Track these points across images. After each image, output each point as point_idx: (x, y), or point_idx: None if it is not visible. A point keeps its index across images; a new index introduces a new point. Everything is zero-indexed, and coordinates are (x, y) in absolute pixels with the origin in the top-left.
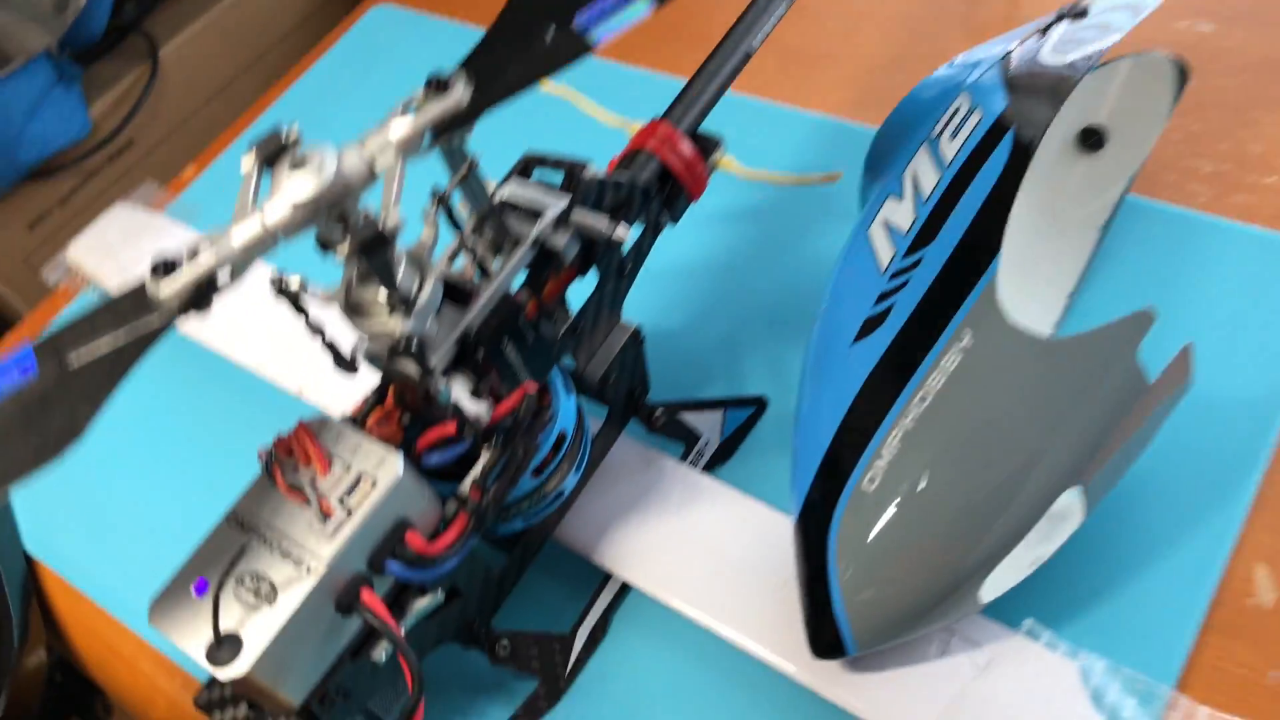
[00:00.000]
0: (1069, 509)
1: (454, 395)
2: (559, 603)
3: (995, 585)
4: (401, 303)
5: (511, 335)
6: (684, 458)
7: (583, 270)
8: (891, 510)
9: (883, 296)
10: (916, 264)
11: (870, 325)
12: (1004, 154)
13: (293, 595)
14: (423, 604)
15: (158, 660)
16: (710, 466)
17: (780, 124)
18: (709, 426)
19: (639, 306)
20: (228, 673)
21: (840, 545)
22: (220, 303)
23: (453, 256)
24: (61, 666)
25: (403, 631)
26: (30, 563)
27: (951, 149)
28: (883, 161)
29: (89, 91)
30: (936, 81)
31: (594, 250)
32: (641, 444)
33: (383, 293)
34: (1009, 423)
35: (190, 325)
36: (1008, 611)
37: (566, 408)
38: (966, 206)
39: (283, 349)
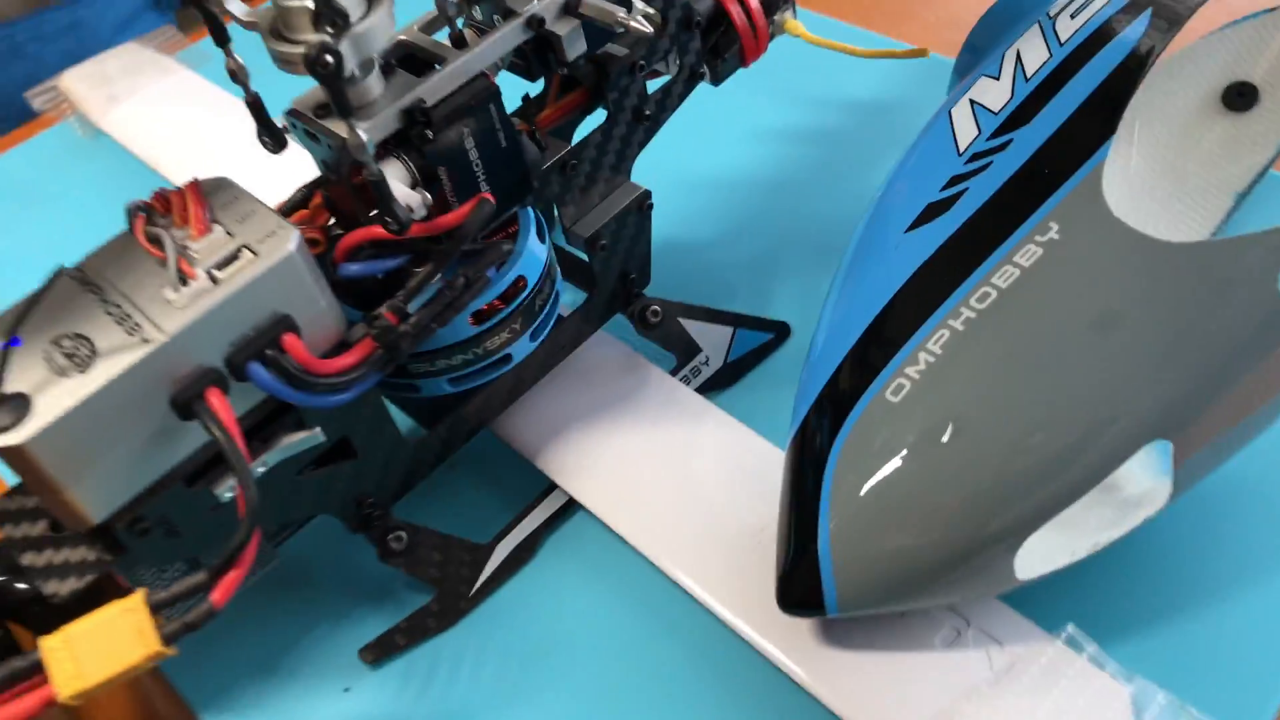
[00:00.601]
0: (1152, 486)
1: (385, 174)
2: (487, 515)
3: (1036, 559)
4: (333, 17)
5: (476, 128)
6: (674, 372)
7: (590, 102)
8: (915, 430)
9: (955, 180)
10: (1004, 146)
11: (933, 211)
12: (1137, 32)
13: (113, 364)
14: (294, 440)
15: None
16: (705, 390)
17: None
18: (713, 343)
19: (661, 213)
20: (1, 440)
21: (841, 466)
22: (169, 121)
23: (425, 27)
24: None
25: (260, 467)
26: None
27: (1070, 27)
28: (979, 54)
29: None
30: None
31: (607, 70)
32: (625, 346)
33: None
34: (1088, 341)
35: (137, 144)
36: (1045, 611)
37: (533, 252)
38: (1079, 87)
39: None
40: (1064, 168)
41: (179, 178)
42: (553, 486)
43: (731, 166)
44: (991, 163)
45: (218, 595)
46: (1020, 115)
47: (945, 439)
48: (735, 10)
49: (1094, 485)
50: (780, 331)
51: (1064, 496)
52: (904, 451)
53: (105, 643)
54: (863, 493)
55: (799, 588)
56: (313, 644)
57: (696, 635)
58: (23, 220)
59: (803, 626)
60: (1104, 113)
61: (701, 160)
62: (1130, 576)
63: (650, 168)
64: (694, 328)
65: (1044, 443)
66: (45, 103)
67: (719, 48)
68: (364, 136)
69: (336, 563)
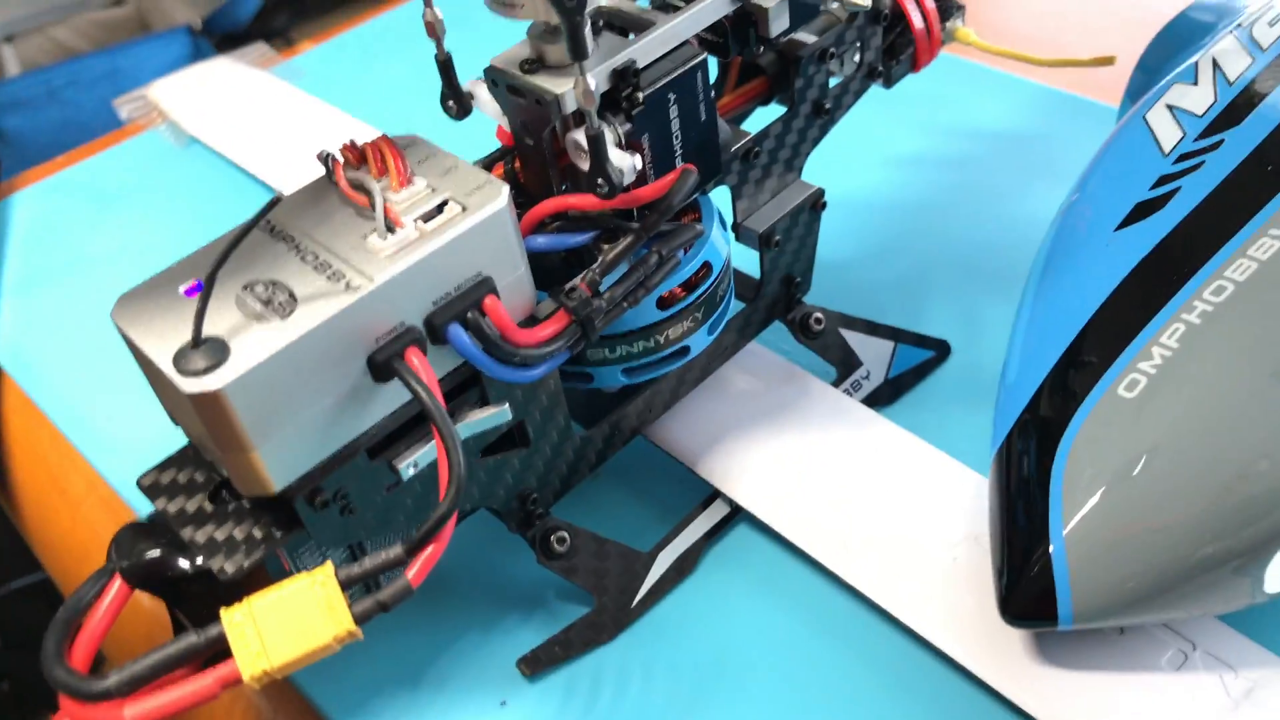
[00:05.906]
0: None
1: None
2: (640, 526)
3: None
4: None
5: (681, 96)
6: (834, 385)
7: (769, 93)
8: (1157, 426)
9: (1165, 180)
10: (1215, 146)
11: (1145, 209)
12: None
13: (317, 311)
14: (483, 416)
15: (109, 503)
16: (867, 404)
17: (1006, 91)
18: (874, 357)
19: None
20: (196, 384)
21: (1075, 465)
22: (269, 130)
23: None
24: None
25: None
26: None
27: (1270, 34)
28: (1153, 72)
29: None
30: None
31: (796, 57)
32: (781, 358)
33: None
34: None
35: (235, 151)
36: (1273, 636)
37: (718, 240)
38: None
39: None
40: None
41: (284, 184)
42: (712, 498)
43: (869, 189)
44: (1204, 162)
45: (415, 573)
46: (1228, 117)
47: (1193, 437)
48: (913, 12)
49: None
50: (941, 349)
51: None
52: (1148, 449)
53: (293, 619)
54: (1104, 491)
55: (1028, 596)
56: (461, 654)
57: (880, 651)
58: (109, 221)
59: (1014, 648)
60: None
61: (839, 182)
62: None
63: None
64: (854, 340)
65: None
66: (133, 111)
67: (894, 49)
68: (592, 84)
69: (482, 571)
